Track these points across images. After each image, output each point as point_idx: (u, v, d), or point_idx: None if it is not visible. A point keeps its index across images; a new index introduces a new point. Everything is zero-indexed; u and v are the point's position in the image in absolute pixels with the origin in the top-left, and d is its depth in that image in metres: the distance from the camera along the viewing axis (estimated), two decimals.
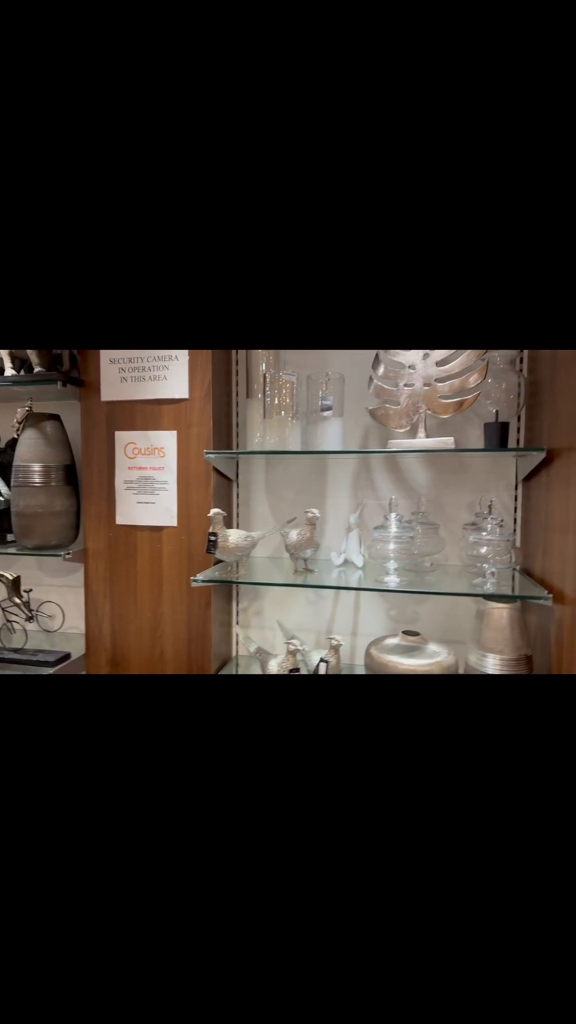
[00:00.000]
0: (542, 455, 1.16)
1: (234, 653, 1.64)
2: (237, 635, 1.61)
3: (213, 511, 1.22)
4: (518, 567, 1.40)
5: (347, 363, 1.45)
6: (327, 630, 1.58)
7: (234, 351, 1.56)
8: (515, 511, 1.41)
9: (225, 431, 1.52)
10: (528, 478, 1.34)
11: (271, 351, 1.37)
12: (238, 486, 1.61)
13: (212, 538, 1.22)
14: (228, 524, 1.60)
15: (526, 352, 1.37)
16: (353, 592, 1.54)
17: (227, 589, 1.59)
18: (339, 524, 1.53)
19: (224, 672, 1.53)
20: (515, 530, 1.41)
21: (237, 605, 1.64)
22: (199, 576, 1.29)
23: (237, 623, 1.64)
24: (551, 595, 1.08)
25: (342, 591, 1.55)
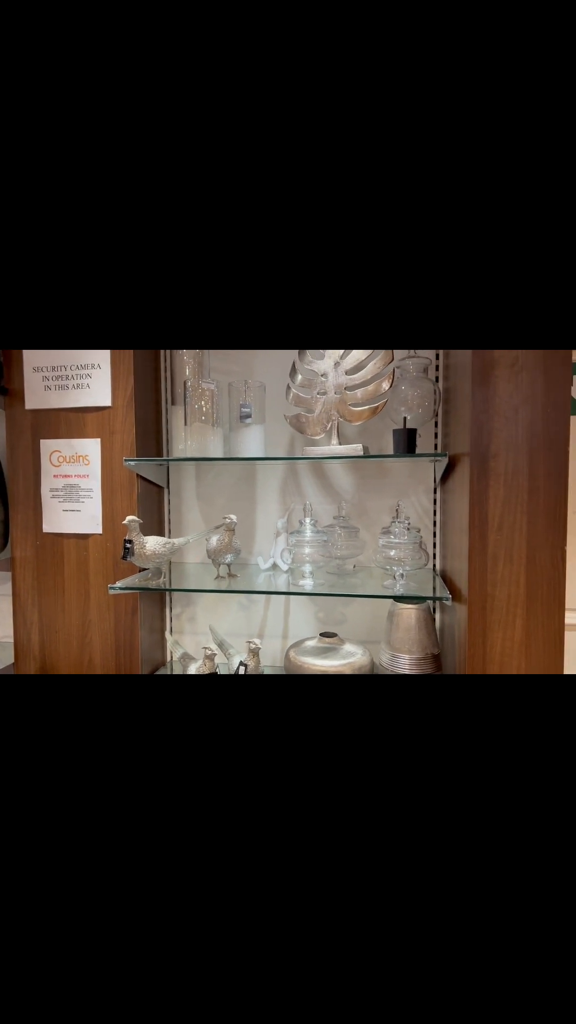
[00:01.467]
0: (446, 460, 1.20)
1: (168, 659, 1.64)
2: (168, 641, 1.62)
3: (128, 518, 1.22)
4: (437, 569, 1.44)
5: (278, 371, 1.48)
6: (259, 634, 1.59)
7: (162, 359, 1.57)
8: (434, 514, 1.45)
9: (153, 438, 1.54)
10: (444, 482, 1.38)
11: (194, 358, 1.39)
12: (169, 493, 1.62)
13: (128, 545, 1.23)
14: (160, 531, 1.61)
15: (441, 360, 1.41)
16: (283, 595, 1.56)
17: (159, 595, 1.60)
18: (269, 529, 1.55)
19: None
20: (435, 533, 1.45)
21: (170, 611, 1.65)
22: (117, 584, 1.29)
23: (170, 629, 1.65)
24: (451, 595, 1.11)
25: (272, 595, 1.57)
